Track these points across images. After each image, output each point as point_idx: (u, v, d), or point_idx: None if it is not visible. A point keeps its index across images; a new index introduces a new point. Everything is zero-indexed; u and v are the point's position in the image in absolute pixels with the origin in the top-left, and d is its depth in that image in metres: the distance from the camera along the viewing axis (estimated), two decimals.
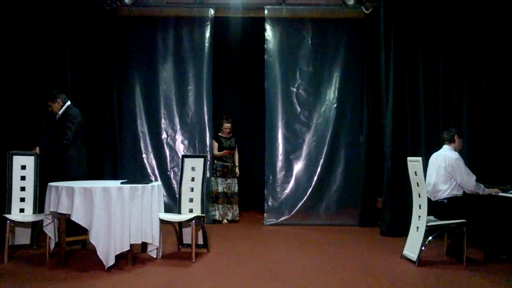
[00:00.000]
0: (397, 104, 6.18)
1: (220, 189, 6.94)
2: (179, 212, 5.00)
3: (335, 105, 7.02)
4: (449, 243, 4.91)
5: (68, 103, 5.19)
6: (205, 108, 7.01)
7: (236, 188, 7.06)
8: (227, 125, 7.05)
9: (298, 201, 6.92)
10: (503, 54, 5.95)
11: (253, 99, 8.16)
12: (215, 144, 6.98)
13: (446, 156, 4.70)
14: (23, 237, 4.90)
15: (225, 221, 6.92)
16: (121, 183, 4.47)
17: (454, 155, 4.69)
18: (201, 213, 4.86)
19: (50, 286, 3.71)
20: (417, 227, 4.61)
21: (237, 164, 7.18)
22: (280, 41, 7.03)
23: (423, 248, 4.47)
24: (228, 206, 6.97)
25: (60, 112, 5.12)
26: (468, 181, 4.61)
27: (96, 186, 4.14)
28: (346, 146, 7.02)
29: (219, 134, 7.07)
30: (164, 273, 4.14)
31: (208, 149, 6.96)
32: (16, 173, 4.77)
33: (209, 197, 6.84)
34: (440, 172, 4.70)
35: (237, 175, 7.14)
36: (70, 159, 5.02)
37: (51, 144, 5.13)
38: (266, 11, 6.92)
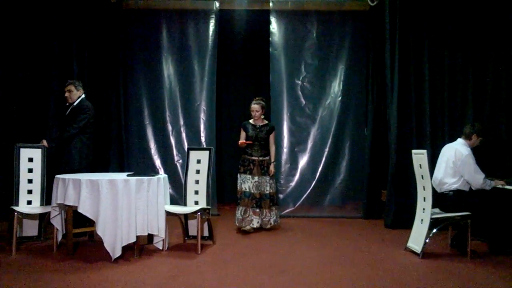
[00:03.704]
0: (402, 97, 6.16)
1: (245, 187, 5.64)
2: (184, 204, 5.04)
3: (340, 98, 7.03)
4: (453, 235, 4.92)
5: (83, 96, 5.27)
6: (210, 100, 7.04)
7: (268, 189, 5.65)
8: (254, 106, 5.72)
9: (303, 193, 6.96)
10: (509, 46, 5.91)
11: (258, 92, 8.10)
12: (242, 134, 5.79)
13: (457, 150, 4.65)
14: (30, 229, 4.94)
15: (248, 227, 5.56)
16: (127, 175, 4.51)
17: (466, 151, 4.63)
18: (207, 205, 4.89)
19: (58, 277, 3.75)
20: (422, 220, 4.62)
21: (272, 159, 5.76)
22: (285, 33, 7.03)
23: (427, 240, 4.49)
24: (257, 210, 5.62)
25: (75, 103, 5.18)
26: (476, 178, 4.57)
27: (102, 179, 4.17)
28: (350, 139, 7.04)
29: (250, 120, 5.85)
30: (170, 265, 4.17)
31: (203, 140, 7.00)
32: (24, 165, 4.82)
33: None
34: (449, 165, 4.67)
35: (271, 174, 5.70)
36: (74, 151, 5.07)
37: (61, 135, 5.17)
38: (271, 4, 6.91)
